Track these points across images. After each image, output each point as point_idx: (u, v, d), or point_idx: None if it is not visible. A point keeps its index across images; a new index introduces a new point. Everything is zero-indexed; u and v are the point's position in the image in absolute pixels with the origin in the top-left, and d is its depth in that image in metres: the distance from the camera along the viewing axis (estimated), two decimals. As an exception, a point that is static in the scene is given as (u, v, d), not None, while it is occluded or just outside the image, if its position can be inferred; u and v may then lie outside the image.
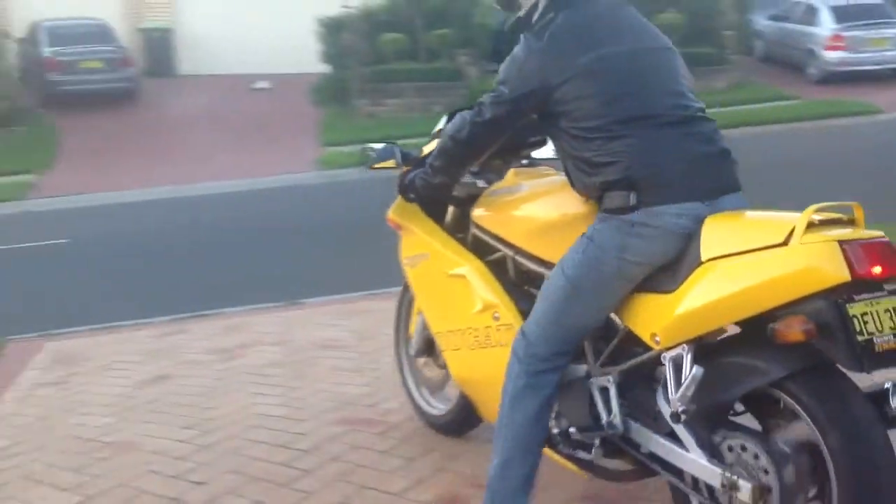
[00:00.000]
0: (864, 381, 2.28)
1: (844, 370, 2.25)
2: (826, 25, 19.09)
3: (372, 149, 3.51)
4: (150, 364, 5.02)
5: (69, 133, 18.28)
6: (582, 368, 2.76)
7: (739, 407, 2.48)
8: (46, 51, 19.42)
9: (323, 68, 20.28)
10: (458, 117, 2.91)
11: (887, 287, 2.26)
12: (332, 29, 19.65)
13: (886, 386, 2.29)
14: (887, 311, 2.24)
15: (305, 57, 20.80)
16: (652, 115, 2.53)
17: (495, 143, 2.86)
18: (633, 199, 2.48)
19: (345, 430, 3.80)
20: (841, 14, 19.13)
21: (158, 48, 22.55)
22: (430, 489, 3.21)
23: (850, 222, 2.33)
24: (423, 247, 3.38)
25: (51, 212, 13.05)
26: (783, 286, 2.25)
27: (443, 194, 3.18)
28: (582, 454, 2.74)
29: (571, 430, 2.74)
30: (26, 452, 3.80)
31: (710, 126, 2.63)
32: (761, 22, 22.18)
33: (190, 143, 17.39)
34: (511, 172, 3.23)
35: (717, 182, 2.54)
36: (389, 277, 6.36)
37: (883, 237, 2.27)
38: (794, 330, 2.23)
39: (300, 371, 4.68)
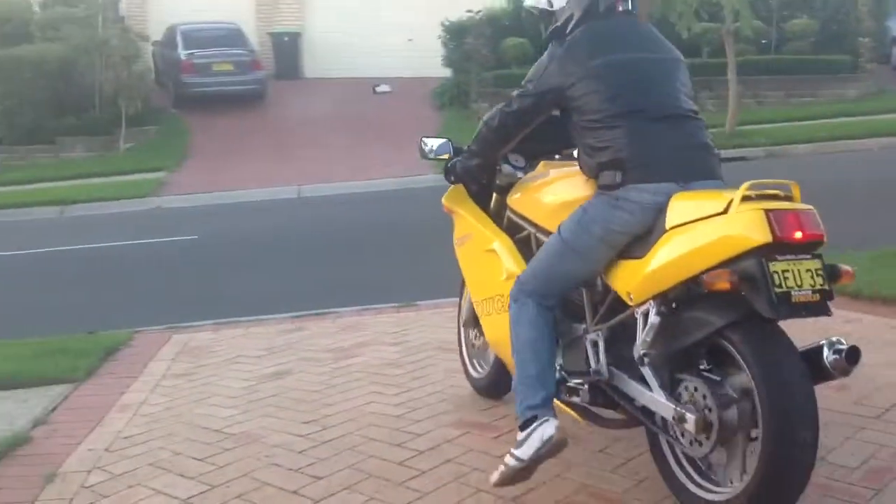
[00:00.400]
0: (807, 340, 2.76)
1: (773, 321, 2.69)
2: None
3: (426, 143, 4.11)
4: (271, 359, 5.14)
5: (199, 133, 18.94)
6: (581, 327, 3.27)
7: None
8: (182, 53, 20.17)
9: (445, 72, 20.43)
10: (493, 109, 3.46)
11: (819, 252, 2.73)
12: (456, 33, 19.78)
13: (821, 342, 2.76)
14: (809, 270, 2.68)
15: (428, 61, 21.01)
16: (642, 111, 3.05)
17: (520, 131, 3.41)
18: (618, 177, 3.01)
19: (461, 432, 3.80)
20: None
21: (286, 52, 23.15)
22: (545, 496, 3.18)
23: (787, 198, 2.80)
24: (469, 228, 3.94)
25: (180, 209, 13.54)
26: (720, 247, 2.73)
27: (479, 176, 3.78)
28: (576, 399, 3.23)
29: (567, 377, 3.26)
30: (154, 440, 3.94)
31: (696, 124, 3.13)
32: (899, 28, 21.29)
33: (313, 144, 17.78)
34: (541, 164, 3.72)
35: (692, 169, 3.03)
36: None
37: (810, 209, 2.75)
38: (720, 280, 2.71)
39: (416, 372, 4.72)
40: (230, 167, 16.46)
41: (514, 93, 3.33)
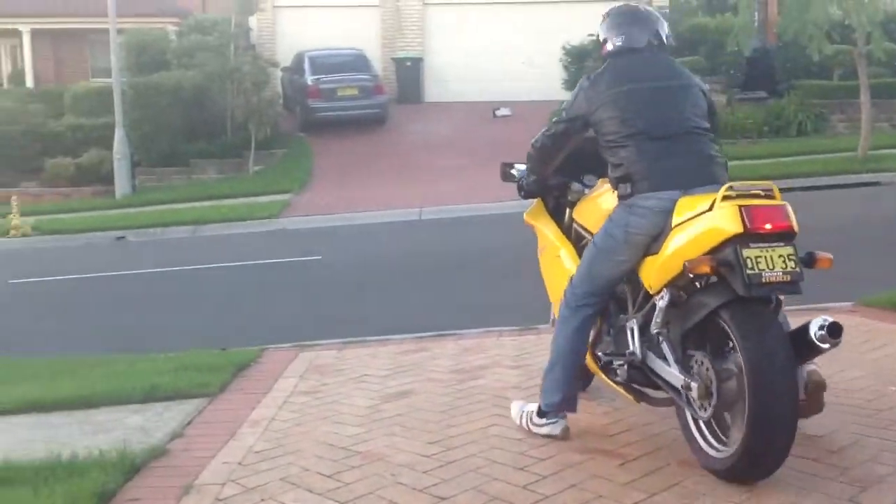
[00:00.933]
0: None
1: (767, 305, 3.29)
2: None
3: (511, 165, 4.76)
4: (396, 379, 5.21)
5: (324, 156, 19.44)
6: (624, 318, 3.85)
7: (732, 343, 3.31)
8: (309, 79, 20.78)
9: (565, 95, 20.40)
10: (539, 133, 4.14)
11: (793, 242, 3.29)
12: (577, 56, 19.75)
13: (808, 320, 3.31)
14: (781, 256, 3.24)
15: (549, 84, 21.04)
16: (646, 131, 3.67)
17: (559, 151, 4.10)
18: (629, 188, 3.65)
19: (585, 457, 3.78)
20: None
21: (409, 76, 23.57)
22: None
23: (768, 196, 3.35)
24: (544, 239, 4.50)
25: (305, 230, 13.90)
26: (705, 238, 3.34)
27: (537, 190, 4.50)
28: (618, 379, 3.83)
29: (610, 360, 3.86)
30: (284, 456, 4.04)
31: (701, 139, 3.71)
32: None
33: (434, 167, 18.01)
34: (599, 181, 4.17)
35: (695, 177, 3.60)
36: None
37: (782, 205, 3.31)
38: (701, 265, 3.30)
39: (538, 396, 4.69)
40: (353, 189, 16.82)
41: (553, 119, 4.06)
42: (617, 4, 4.20)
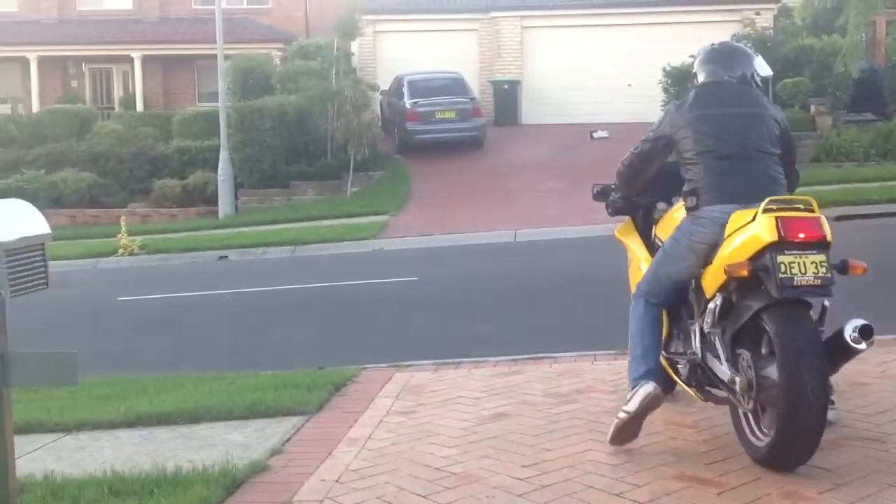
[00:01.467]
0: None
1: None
2: None
3: (602, 187, 5.15)
4: (490, 401, 5.23)
5: (420, 178, 19.64)
6: (690, 322, 4.20)
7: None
8: (407, 102, 21.06)
9: (664, 118, 20.20)
10: (628, 153, 4.58)
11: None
12: (677, 78, 19.54)
13: (844, 325, 3.70)
14: (814, 262, 3.65)
15: (648, 106, 20.82)
16: (716, 150, 4.10)
17: (646, 169, 4.54)
18: (695, 201, 4.11)
19: (682, 485, 3.73)
20: None
21: (506, 99, 23.68)
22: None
23: (808, 209, 3.76)
24: (632, 253, 4.92)
25: (401, 251, 14.05)
26: (747, 246, 3.75)
27: (623, 208, 4.92)
28: (682, 376, 4.24)
29: (678, 360, 4.25)
30: (380, 475, 4.10)
31: (765, 161, 4.12)
32: None
33: (530, 189, 18.01)
34: (679, 200, 4.45)
35: (753, 194, 3.94)
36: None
37: (816, 217, 3.72)
38: (740, 269, 3.73)
39: (635, 422, 4.65)
40: (449, 211, 16.94)
41: (642, 139, 4.47)
42: (715, 43, 4.77)
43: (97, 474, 4.21)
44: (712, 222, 4.01)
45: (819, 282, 3.64)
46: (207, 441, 4.84)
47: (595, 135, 22.38)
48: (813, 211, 3.76)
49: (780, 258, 3.63)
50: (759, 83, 4.48)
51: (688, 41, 21.31)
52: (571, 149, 20.74)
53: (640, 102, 21.67)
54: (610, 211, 5.00)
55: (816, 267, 3.65)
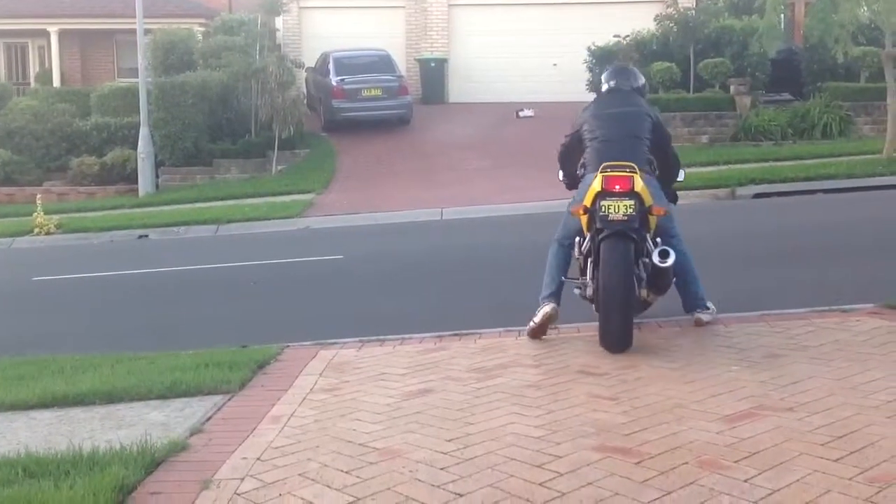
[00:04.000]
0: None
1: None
2: None
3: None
4: (415, 377, 5.24)
5: (347, 156, 19.51)
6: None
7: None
8: (334, 79, 20.87)
9: (589, 97, 20.35)
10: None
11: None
12: (601, 58, 19.71)
13: (654, 249, 5.58)
14: (624, 205, 5.40)
15: (573, 86, 21.03)
16: (600, 137, 5.89)
17: (572, 156, 6.16)
18: (583, 171, 5.92)
19: (601, 456, 3.78)
20: None
21: (433, 77, 23.63)
22: None
23: (630, 172, 5.47)
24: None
25: (327, 229, 13.96)
26: (589, 195, 5.53)
27: (570, 182, 6.28)
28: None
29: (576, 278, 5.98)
30: (302, 452, 4.07)
31: (635, 144, 5.82)
32: None
33: (456, 168, 18.03)
34: None
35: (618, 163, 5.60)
36: (650, 311, 6.29)
37: (629, 176, 5.45)
38: (577, 209, 5.63)
39: (558, 395, 4.71)
40: (375, 189, 16.87)
41: (566, 135, 6.30)
42: (613, 64, 7.04)
43: (11, 455, 4.11)
44: (586, 184, 5.70)
45: (626, 218, 5.39)
46: (126, 421, 4.75)
47: (521, 113, 22.79)
48: (635, 173, 5.46)
49: (602, 202, 5.43)
50: (644, 91, 6.32)
51: (613, 21, 21.58)
52: (498, 127, 20.85)
53: (566, 81, 21.86)
54: (566, 186, 6.34)
55: (626, 208, 5.39)
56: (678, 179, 6.37)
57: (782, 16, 19.20)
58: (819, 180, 14.29)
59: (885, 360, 4.95)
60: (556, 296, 5.90)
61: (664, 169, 6.13)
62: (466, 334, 6.33)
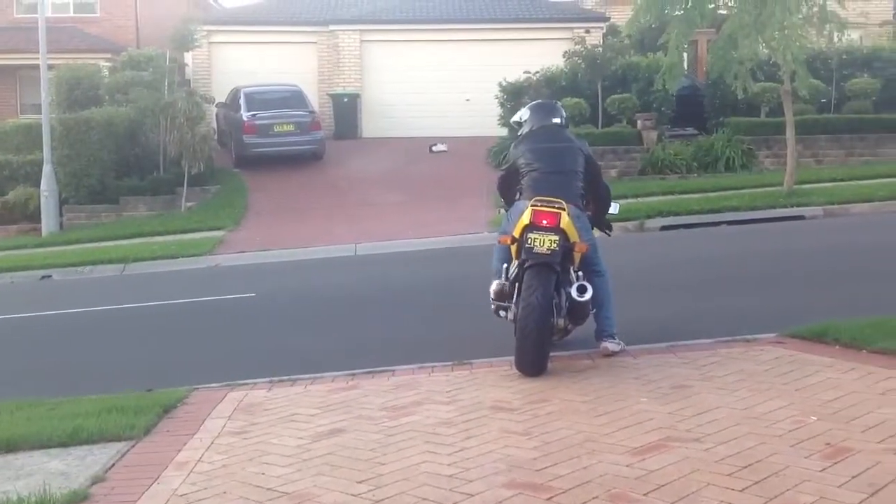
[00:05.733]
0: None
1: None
2: None
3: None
4: (326, 417, 5.16)
5: (259, 192, 19.31)
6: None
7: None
8: (244, 115, 20.67)
9: (501, 132, 20.65)
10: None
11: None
12: (513, 94, 19.98)
13: (574, 286, 5.84)
14: (549, 239, 5.68)
15: (485, 121, 21.26)
16: (538, 168, 6.16)
17: (509, 187, 6.44)
18: (519, 196, 6.21)
19: (513, 493, 3.77)
20: None
21: (346, 112, 23.61)
22: None
23: (558, 207, 5.77)
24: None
25: (239, 267, 13.75)
26: (518, 226, 5.83)
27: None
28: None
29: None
30: (209, 499, 3.97)
31: (569, 176, 6.16)
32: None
33: (370, 203, 18.00)
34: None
35: (554, 193, 5.92)
36: (562, 343, 6.34)
37: (557, 212, 5.75)
38: (505, 239, 6.00)
39: (470, 431, 4.70)
40: (288, 225, 16.72)
41: (502, 167, 6.87)
42: (538, 100, 7.23)
43: None
44: (517, 210, 6.04)
45: (550, 252, 5.68)
46: (24, 470, 4.57)
47: (434, 148, 22.89)
48: (563, 209, 5.77)
49: (529, 234, 5.73)
50: (566, 124, 6.61)
51: (524, 57, 21.94)
52: (411, 162, 20.91)
53: (478, 116, 22.09)
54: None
55: (550, 243, 5.68)
56: (612, 212, 6.68)
57: (685, 53, 19.75)
58: (723, 212, 14.69)
59: (787, 389, 5.07)
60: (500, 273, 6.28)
61: (597, 202, 6.49)
62: (379, 371, 6.29)
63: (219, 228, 16.61)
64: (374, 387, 5.86)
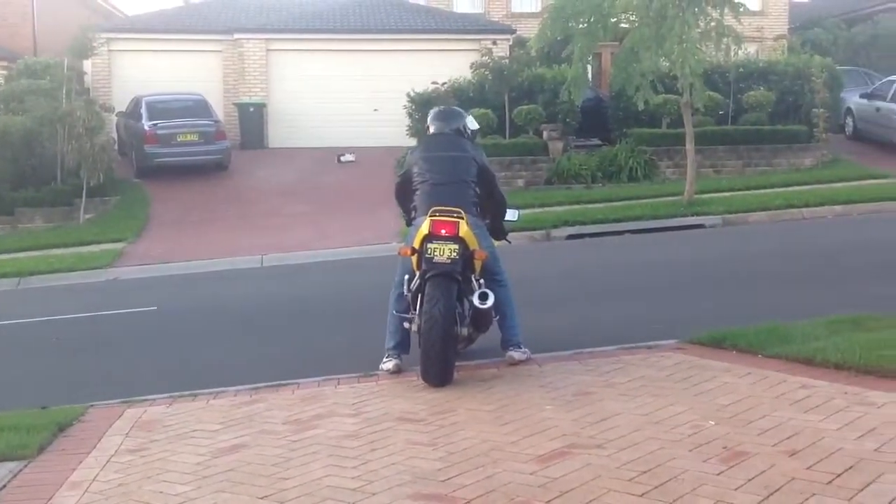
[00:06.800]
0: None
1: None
2: None
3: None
4: (228, 433, 5.06)
5: (161, 203, 18.89)
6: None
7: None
8: (146, 124, 20.21)
9: (410, 142, 20.63)
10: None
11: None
12: (421, 104, 20.01)
13: (476, 293, 5.84)
14: (449, 248, 5.70)
15: (393, 131, 21.25)
16: (430, 180, 6.17)
17: (404, 195, 6.43)
18: (414, 214, 6.21)
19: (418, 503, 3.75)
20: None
21: (252, 122, 23.28)
22: None
23: (457, 217, 5.80)
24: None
25: (140, 279, 13.42)
26: (417, 237, 5.82)
27: (409, 219, 6.42)
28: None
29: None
30: (103, 517, 3.84)
31: (462, 186, 6.13)
32: (853, 100, 21.83)
33: (276, 214, 17.79)
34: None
35: (450, 205, 5.93)
36: (468, 353, 6.35)
37: (455, 221, 5.78)
38: (404, 250, 5.94)
39: (376, 443, 4.66)
40: (192, 237, 16.40)
41: (398, 174, 6.81)
42: (439, 106, 7.08)
43: None
44: (416, 227, 6.00)
45: (450, 261, 5.70)
46: None
47: (342, 158, 22.79)
48: (461, 218, 5.81)
49: (428, 244, 5.73)
50: (470, 133, 6.51)
51: (432, 68, 22.00)
52: (319, 172, 20.74)
53: (387, 127, 22.05)
54: (406, 223, 6.56)
55: (450, 252, 5.70)
56: (511, 219, 6.78)
57: (590, 66, 20.08)
58: (627, 221, 14.98)
59: (686, 395, 5.18)
60: (400, 346, 6.19)
61: (493, 209, 6.53)
62: (284, 385, 6.20)
63: (119, 240, 16.18)
64: (278, 400, 5.77)
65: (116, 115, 22.13)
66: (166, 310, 10.50)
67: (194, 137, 20.32)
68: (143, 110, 20.60)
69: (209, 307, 10.57)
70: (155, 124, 20.14)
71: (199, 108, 21.07)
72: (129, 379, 7.15)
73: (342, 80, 23.71)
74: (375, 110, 23.03)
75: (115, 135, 22.10)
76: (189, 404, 5.82)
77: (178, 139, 20.16)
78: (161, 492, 4.13)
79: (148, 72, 23.19)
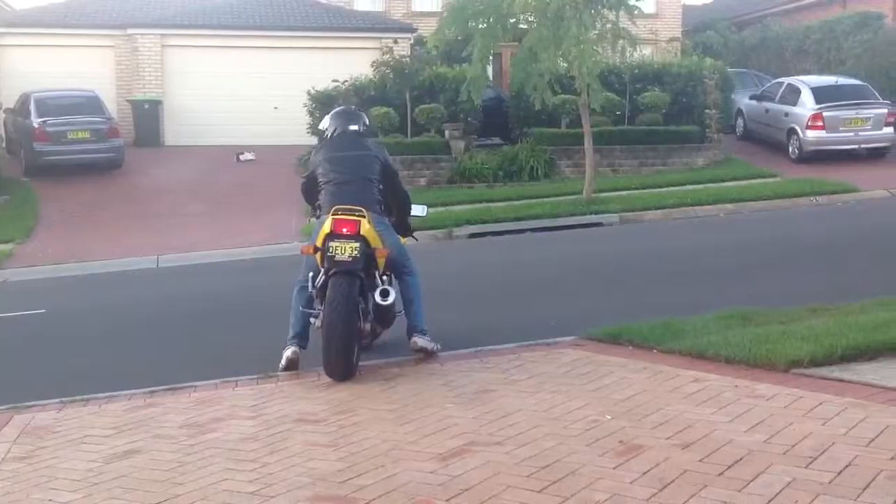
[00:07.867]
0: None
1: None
2: (808, 105, 19.38)
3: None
4: (121, 438, 4.92)
5: (52, 202, 18.28)
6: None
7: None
8: (35, 121, 19.52)
9: (311, 140, 20.42)
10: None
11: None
12: (320, 102, 19.84)
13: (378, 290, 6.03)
14: (350, 247, 5.82)
15: (294, 129, 21.00)
16: (333, 180, 6.29)
17: (312, 193, 6.51)
18: (318, 213, 6.37)
19: (316, 507, 3.70)
20: (821, 95, 19.45)
21: (147, 119, 22.72)
22: None
23: (358, 215, 5.91)
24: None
25: (29, 281, 12.96)
26: (320, 236, 5.93)
27: (316, 216, 6.58)
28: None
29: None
30: (-13, 529, 3.69)
31: (365, 185, 6.27)
32: (743, 101, 22.54)
33: (173, 213, 17.40)
34: None
35: (353, 204, 6.04)
36: (372, 351, 6.32)
37: (357, 220, 5.90)
38: (306, 249, 6.14)
39: (274, 445, 4.59)
40: (85, 237, 15.91)
41: (303, 174, 6.92)
42: (340, 105, 7.39)
43: None
44: (321, 225, 6.07)
45: (351, 259, 5.81)
46: None
47: (242, 157, 22.43)
48: (363, 216, 5.92)
49: (330, 243, 5.84)
50: (369, 131, 6.73)
51: (333, 66, 21.82)
52: (217, 171, 20.37)
53: (287, 125, 21.78)
54: (316, 218, 6.56)
55: (352, 250, 5.81)
56: (420, 215, 7.11)
57: (490, 65, 20.23)
58: (528, 220, 15.15)
59: (584, 390, 5.26)
60: (300, 337, 6.26)
61: (397, 206, 6.72)
62: (180, 388, 6.07)
63: (7, 241, 15.58)
64: (174, 404, 5.64)
65: (4, 112, 21.34)
66: (56, 313, 10.16)
67: (86, 135, 19.72)
68: (32, 107, 19.89)
69: (102, 309, 10.27)
70: (44, 121, 19.47)
71: (91, 104, 20.44)
72: (16, 385, 6.88)
73: (242, 78, 23.35)
74: (276, 108, 22.75)
75: (2, 132, 21.29)
76: (80, 409, 5.64)
77: (69, 137, 19.54)
78: (50, 500, 3.99)
79: (38, 67, 22.40)
